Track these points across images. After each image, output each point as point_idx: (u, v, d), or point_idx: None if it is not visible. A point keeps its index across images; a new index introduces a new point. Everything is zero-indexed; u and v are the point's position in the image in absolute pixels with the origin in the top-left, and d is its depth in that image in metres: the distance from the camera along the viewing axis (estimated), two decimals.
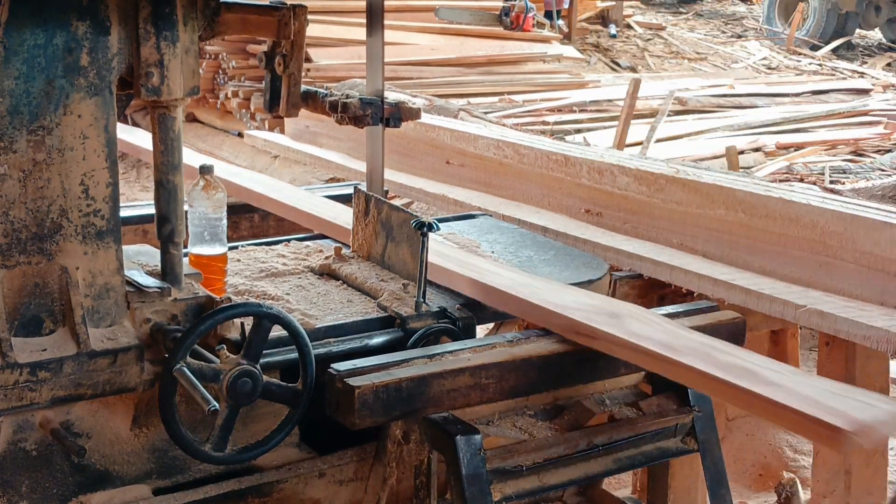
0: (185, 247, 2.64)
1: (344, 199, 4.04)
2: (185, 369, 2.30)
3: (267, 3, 2.69)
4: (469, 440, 2.40)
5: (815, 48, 14.94)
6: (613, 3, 14.84)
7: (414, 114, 3.05)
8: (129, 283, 2.48)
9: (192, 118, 8.79)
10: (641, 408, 2.74)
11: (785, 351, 4.17)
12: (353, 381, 2.38)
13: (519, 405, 2.66)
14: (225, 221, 2.85)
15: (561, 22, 10.69)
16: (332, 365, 2.44)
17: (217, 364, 2.37)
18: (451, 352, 2.56)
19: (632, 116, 7.29)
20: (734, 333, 2.83)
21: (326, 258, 3.13)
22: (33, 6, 2.25)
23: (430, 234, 2.80)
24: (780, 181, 5.18)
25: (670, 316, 2.84)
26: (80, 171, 2.36)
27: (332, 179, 5.47)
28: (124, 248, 2.48)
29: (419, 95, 6.98)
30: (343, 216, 3.42)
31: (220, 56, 8.34)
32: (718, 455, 2.78)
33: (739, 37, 16.21)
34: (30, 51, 2.26)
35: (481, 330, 3.06)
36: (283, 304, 2.78)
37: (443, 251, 3.09)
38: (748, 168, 6.97)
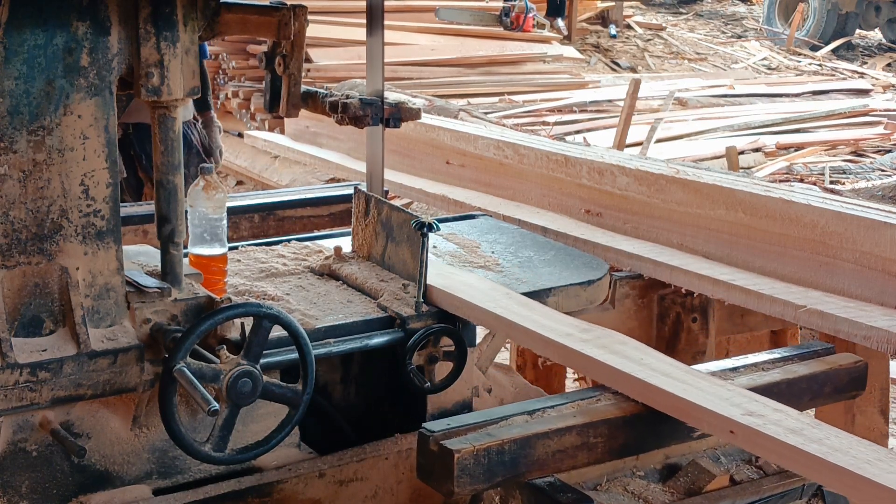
0: (186, 247, 2.64)
1: (344, 200, 4.05)
2: (185, 369, 2.30)
3: (267, 3, 2.69)
4: None
5: (815, 48, 14.95)
6: (613, 3, 14.84)
7: (414, 114, 3.05)
8: (129, 283, 2.48)
9: None
10: (762, 466, 2.53)
11: None
12: (450, 444, 2.17)
13: (627, 465, 2.44)
14: (225, 222, 2.85)
15: (561, 23, 10.68)
16: (425, 425, 2.28)
17: (217, 364, 2.37)
18: (551, 406, 2.36)
19: (632, 117, 7.29)
20: (855, 378, 2.67)
21: (326, 258, 3.14)
22: (33, 6, 2.25)
23: (432, 235, 2.80)
24: (780, 181, 5.17)
25: (784, 360, 2.66)
26: (80, 172, 2.36)
27: (332, 179, 5.47)
28: (124, 248, 2.49)
29: (419, 95, 6.98)
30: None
31: (220, 56, 8.34)
32: None
33: (739, 37, 16.22)
34: (30, 51, 2.26)
35: (481, 331, 3.06)
36: (283, 305, 2.78)
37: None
38: (748, 168, 6.99)
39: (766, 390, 2.46)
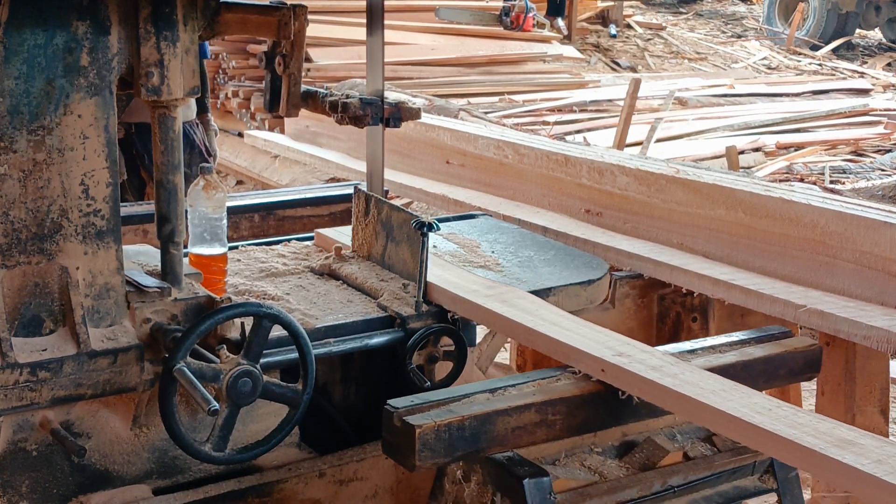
0: (186, 247, 2.64)
1: (344, 199, 4.05)
2: (185, 369, 2.30)
3: (267, 3, 2.69)
4: (538, 483, 2.27)
5: (815, 48, 14.95)
6: (613, 3, 14.84)
7: (414, 114, 3.05)
8: (130, 282, 2.48)
9: None
10: (715, 443, 2.60)
11: None
12: (412, 420, 2.26)
13: (586, 442, 2.52)
14: (225, 221, 2.85)
15: (561, 23, 10.68)
16: (389, 401, 2.34)
17: (217, 364, 2.37)
18: (513, 385, 2.43)
19: (632, 116, 7.29)
20: (809, 362, 2.72)
21: (326, 258, 3.13)
22: (33, 6, 2.25)
23: (432, 234, 2.80)
24: (780, 181, 5.18)
25: (741, 343, 2.71)
26: (80, 171, 2.36)
27: (332, 179, 5.47)
28: (124, 248, 2.49)
29: (419, 95, 6.98)
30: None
31: (220, 56, 8.34)
32: (798, 494, 2.64)
33: (739, 37, 16.22)
34: (30, 51, 2.26)
35: (481, 330, 3.06)
36: (283, 304, 2.78)
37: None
38: (748, 168, 6.98)
39: (722, 371, 2.53)
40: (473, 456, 2.35)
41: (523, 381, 2.47)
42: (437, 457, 2.27)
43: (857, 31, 15.95)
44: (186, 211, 2.62)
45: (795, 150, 7.79)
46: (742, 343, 2.73)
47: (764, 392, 2.38)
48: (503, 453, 2.36)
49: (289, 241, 3.37)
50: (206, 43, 5.22)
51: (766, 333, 2.80)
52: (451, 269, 3.03)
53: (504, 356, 4.51)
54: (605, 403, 2.45)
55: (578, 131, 8.04)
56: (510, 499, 2.31)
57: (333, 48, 8.74)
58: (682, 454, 2.56)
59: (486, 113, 7.08)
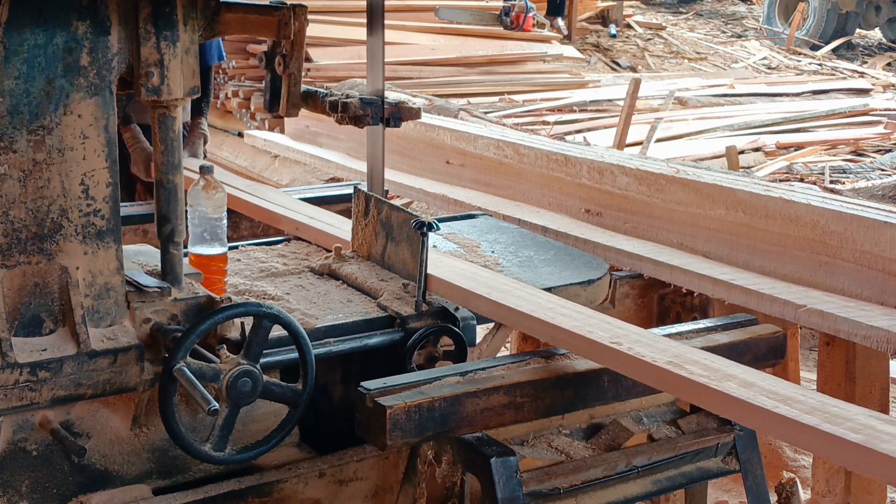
0: (186, 247, 2.64)
1: (343, 199, 4.05)
2: (185, 369, 2.30)
3: (267, 3, 2.69)
4: (505, 462, 2.33)
5: (815, 48, 14.95)
6: (613, 2, 14.84)
7: (414, 113, 3.05)
8: (129, 282, 2.48)
9: None
10: (680, 426, 2.66)
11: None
12: (384, 401, 2.31)
13: (554, 424, 2.58)
14: (225, 221, 2.85)
15: (561, 23, 10.68)
16: (362, 383, 2.39)
17: (217, 364, 2.37)
18: (483, 369, 2.50)
19: (632, 116, 7.29)
20: (773, 348, 2.77)
21: (326, 258, 3.14)
22: (33, 6, 2.25)
23: (432, 234, 2.80)
24: (780, 181, 5.18)
25: (707, 329, 2.76)
26: (80, 171, 2.36)
27: (332, 179, 5.47)
28: (124, 248, 2.49)
29: (419, 95, 6.98)
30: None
31: None
32: (761, 475, 2.70)
33: (739, 37, 16.22)
34: (30, 51, 2.26)
35: (481, 330, 3.06)
36: (283, 304, 2.78)
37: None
38: (748, 168, 6.98)
39: None
40: (443, 436, 2.41)
41: (493, 364, 2.54)
42: (407, 437, 2.34)
43: (857, 31, 15.95)
44: (186, 211, 2.62)
45: (795, 150, 7.79)
46: (708, 330, 2.78)
47: None
48: (472, 434, 2.42)
49: (288, 241, 3.37)
50: (221, 43, 4.94)
51: (733, 321, 2.85)
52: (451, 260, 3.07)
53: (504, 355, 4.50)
54: (572, 386, 2.52)
55: (578, 131, 8.04)
56: (478, 477, 2.38)
57: (333, 48, 8.74)
58: (647, 436, 2.63)
59: (486, 113, 7.08)
